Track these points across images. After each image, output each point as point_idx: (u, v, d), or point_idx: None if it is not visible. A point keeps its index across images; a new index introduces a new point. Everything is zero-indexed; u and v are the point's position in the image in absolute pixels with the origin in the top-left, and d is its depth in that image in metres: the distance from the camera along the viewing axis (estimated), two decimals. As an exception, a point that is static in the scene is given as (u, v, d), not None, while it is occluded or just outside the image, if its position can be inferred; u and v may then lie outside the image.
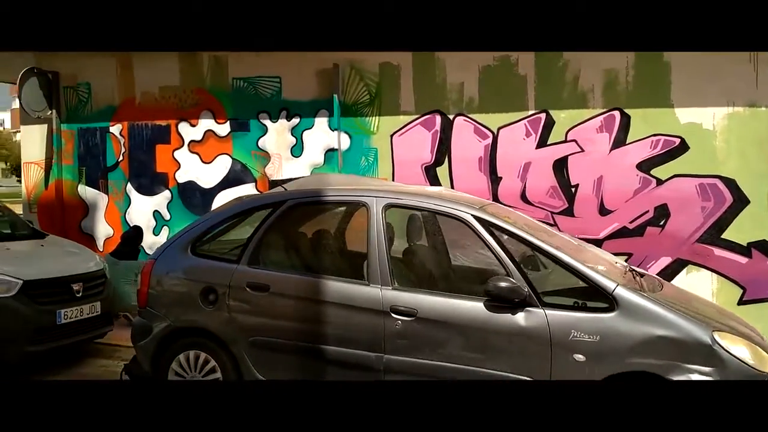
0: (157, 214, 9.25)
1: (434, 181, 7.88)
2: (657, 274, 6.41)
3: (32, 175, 10.06)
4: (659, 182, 7.08)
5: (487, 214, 4.79)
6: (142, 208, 9.35)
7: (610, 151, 7.25)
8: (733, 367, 4.10)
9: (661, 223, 7.12)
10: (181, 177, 9.13)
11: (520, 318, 4.40)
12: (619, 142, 7.22)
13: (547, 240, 4.73)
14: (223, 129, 8.90)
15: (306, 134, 8.49)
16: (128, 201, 9.45)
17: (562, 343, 4.29)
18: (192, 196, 9.08)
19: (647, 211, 7.15)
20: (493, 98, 7.66)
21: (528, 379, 4.35)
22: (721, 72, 6.81)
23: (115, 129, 9.50)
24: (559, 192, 7.44)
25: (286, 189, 5.62)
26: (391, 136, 8.09)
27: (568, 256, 4.52)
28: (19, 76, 9.34)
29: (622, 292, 4.30)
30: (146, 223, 9.18)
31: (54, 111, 9.72)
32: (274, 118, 8.63)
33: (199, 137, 9.02)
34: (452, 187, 7.65)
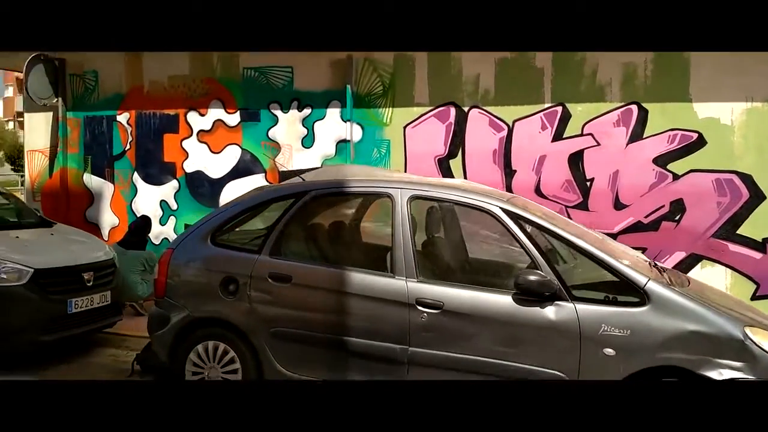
0: (164, 203, 9.17)
1: (447, 173, 7.82)
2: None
3: (36, 163, 9.96)
4: (675, 177, 7.04)
5: (515, 206, 4.75)
6: (149, 198, 9.26)
7: (627, 145, 7.21)
8: (765, 362, 4.06)
9: (677, 218, 7.08)
10: (190, 167, 9.05)
11: (549, 312, 4.35)
12: (636, 136, 7.17)
13: (576, 233, 4.68)
14: (233, 119, 8.81)
15: (317, 125, 8.41)
16: (135, 190, 9.36)
17: (592, 337, 4.25)
18: (200, 186, 9.00)
19: (663, 206, 7.12)
20: (508, 91, 7.60)
21: (557, 373, 4.31)
22: (740, 67, 6.75)
23: (123, 117, 9.40)
24: (574, 186, 7.39)
25: (304, 180, 5.56)
26: (404, 127, 8.03)
27: (599, 250, 4.48)
28: (26, 62, 9.23)
29: (653, 287, 4.27)
30: (153, 212, 9.09)
31: (60, 99, 9.62)
32: (285, 109, 8.55)
33: (208, 127, 8.93)
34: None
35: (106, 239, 9.13)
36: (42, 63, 9.40)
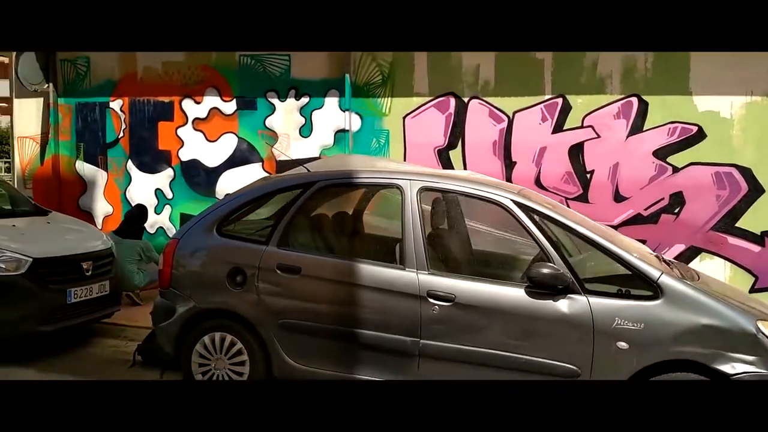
0: (159, 192, 9.07)
1: (447, 164, 7.80)
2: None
3: (27, 150, 9.81)
4: (675, 170, 7.08)
5: (527, 198, 4.74)
6: (144, 186, 9.16)
7: (627, 137, 7.23)
8: (777, 356, 4.10)
9: (676, 210, 7.12)
10: (185, 155, 8.96)
11: (562, 305, 4.36)
12: (636, 128, 7.19)
13: (588, 226, 4.69)
14: (229, 107, 8.73)
15: (315, 114, 8.35)
16: (129, 178, 9.25)
17: (606, 330, 4.26)
18: (196, 174, 8.91)
19: (662, 199, 7.16)
20: (509, 82, 7.58)
21: (570, 366, 4.32)
22: (740, 61, 6.77)
23: (116, 104, 9.28)
24: (574, 178, 7.41)
25: (309, 170, 5.51)
26: (404, 118, 7.99)
27: (612, 244, 4.48)
28: (16, 47, 9.07)
29: (666, 280, 4.28)
30: (148, 201, 8.98)
31: (51, 84, 9.47)
32: (282, 97, 8.47)
33: (203, 115, 8.84)
34: (465, 171, 7.58)
35: (100, 228, 9.01)
36: (33, 48, 9.23)
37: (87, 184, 9.46)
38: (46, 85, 9.46)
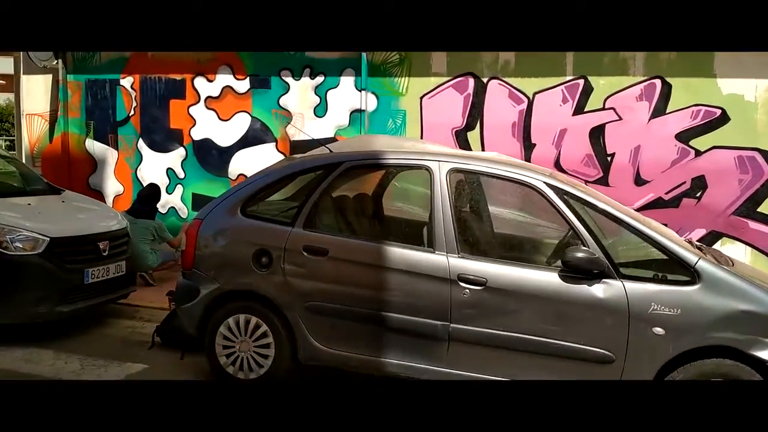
0: (170, 171, 8.97)
1: (465, 145, 7.72)
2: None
3: (35, 128, 9.69)
4: (698, 153, 7.01)
5: (559, 180, 4.66)
6: (155, 166, 9.06)
7: (649, 120, 7.15)
8: (814, 343, 4.06)
9: (698, 194, 7.06)
10: (197, 134, 8.85)
11: (597, 290, 4.29)
12: (659, 111, 7.11)
13: (622, 210, 4.62)
14: (242, 86, 8.61)
15: (330, 94, 8.24)
16: (140, 157, 9.15)
17: (641, 315, 4.20)
18: (208, 154, 8.81)
19: (684, 182, 7.10)
20: (529, 62, 7.48)
21: (604, 351, 4.26)
22: (766, 43, 6.69)
23: (126, 82, 9.16)
24: (594, 160, 7.33)
25: (331, 150, 5.41)
26: (421, 98, 7.89)
27: (648, 228, 4.42)
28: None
29: (704, 266, 4.22)
30: (159, 180, 8.88)
31: (60, 61, 9.33)
32: (297, 76, 8.36)
33: (216, 93, 8.73)
34: (484, 153, 7.49)
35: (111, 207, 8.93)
36: (42, 24, 9.08)
37: (97, 163, 9.36)
38: (55, 61, 9.32)
